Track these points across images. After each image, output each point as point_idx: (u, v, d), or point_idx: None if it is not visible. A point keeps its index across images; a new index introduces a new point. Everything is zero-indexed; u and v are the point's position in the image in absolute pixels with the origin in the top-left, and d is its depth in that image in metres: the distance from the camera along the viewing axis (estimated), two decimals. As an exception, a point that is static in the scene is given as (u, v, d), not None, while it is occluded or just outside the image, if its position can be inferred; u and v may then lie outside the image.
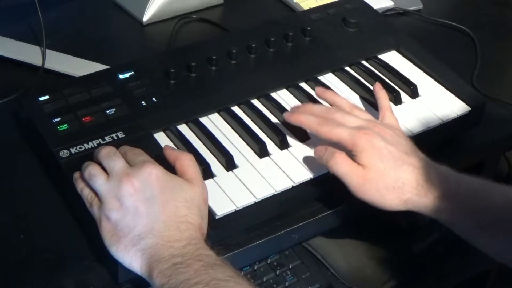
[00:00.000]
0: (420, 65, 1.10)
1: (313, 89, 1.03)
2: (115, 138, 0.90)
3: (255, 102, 1.00)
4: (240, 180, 0.88)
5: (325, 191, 0.91)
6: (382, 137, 0.87)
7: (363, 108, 0.99)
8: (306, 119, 0.91)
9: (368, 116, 0.93)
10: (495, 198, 0.88)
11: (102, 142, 0.89)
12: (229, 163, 0.90)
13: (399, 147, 0.88)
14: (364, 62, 1.10)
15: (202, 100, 0.98)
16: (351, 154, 0.87)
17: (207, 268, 0.73)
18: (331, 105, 0.97)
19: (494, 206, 0.87)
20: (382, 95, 0.97)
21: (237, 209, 0.85)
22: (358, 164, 0.86)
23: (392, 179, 0.86)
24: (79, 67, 1.09)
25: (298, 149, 0.93)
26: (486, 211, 0.87)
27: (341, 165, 0.86)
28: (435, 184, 0.87)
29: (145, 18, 1.23)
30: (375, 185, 0.85)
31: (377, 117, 0.95)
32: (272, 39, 1.07)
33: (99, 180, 0.79)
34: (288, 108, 0.99)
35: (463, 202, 0.87)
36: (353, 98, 1.03)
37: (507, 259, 0.87)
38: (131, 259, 0.75)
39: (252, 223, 0.88)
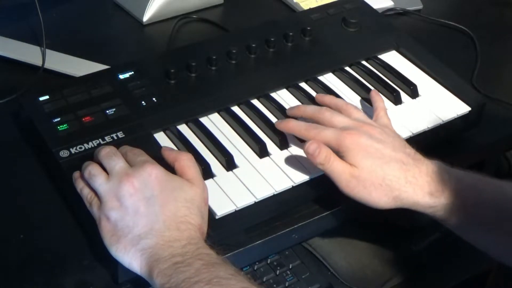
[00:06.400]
0: (420, 65, 1.10)
1: (313, 89, 1.03)
2: (115, 138, 0.90)
3: (255, 102, 1.00)
4: (240, 180, 0.88)
5: (325, 191, 0.91)
6: (369, 135, 0.87)
7: (360, 108, 0.99)
8: (294, 126, 0.91)
9: (359, 115, 0.92)
10: (487, 193, 0.87)
11: (102, 142, 0.89)
12: (229, 163, 0.90)
13: (387, 144, 0.87)
14: (364, 62, 1.10)
15: (202, 100, 0.98)
16: (339, 155, 0.87)
17: (208, 267, 0.73)
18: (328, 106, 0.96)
19: (487, 201, 0.86)
20: (378, 99, 0.97)
21: (237, 209, 0.85)
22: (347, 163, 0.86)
23: (379, 176, 0.85)
24: (79, 67, 1.09)
25: (298, 149, 0.93)
26: (479, 206, 0.86)
27: (335, 165, 0.86)
28: (424, 180, 0.86)
29: (145, 18, 1.23)
30: (362, 183, 0.85)
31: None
32: (272, 39, 1.07)
33: (99, 180, 0.79)
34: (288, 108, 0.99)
35: (455, 197, 0.85)
36: (353, 98, 1.03)
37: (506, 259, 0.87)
38: (131, 259, 0.75)
39: (252, 223, 0.87)
